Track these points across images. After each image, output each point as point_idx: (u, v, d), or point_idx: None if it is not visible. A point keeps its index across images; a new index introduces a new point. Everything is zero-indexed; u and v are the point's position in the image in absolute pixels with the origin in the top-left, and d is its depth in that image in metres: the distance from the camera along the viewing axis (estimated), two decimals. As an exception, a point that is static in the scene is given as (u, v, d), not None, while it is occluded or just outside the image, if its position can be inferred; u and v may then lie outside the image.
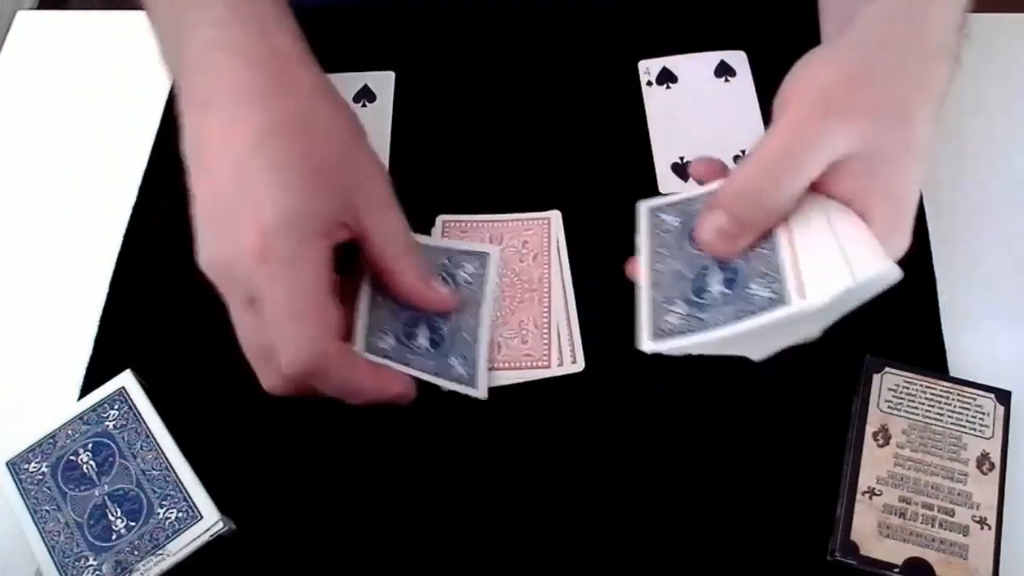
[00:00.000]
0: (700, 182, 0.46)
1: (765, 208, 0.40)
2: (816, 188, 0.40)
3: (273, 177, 0.39)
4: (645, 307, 0.43)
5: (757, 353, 0.42)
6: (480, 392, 0.45)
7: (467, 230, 0.51)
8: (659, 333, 0.42)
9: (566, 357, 0.48)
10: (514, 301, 0.49)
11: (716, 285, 0.42)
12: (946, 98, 0.40)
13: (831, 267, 0.38)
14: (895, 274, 0.39)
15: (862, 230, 0.39)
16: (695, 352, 0.42)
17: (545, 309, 0.49)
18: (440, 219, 0.52)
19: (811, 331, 0.42)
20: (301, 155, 0.40)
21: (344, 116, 0.43)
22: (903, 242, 0.40)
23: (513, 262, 0.50)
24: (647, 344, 0.42)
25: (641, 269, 0.44)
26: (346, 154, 0.42)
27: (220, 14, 0.42)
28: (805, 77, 0.40)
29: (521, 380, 0.47)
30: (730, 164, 0.52)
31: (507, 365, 0.47)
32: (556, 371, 0.47)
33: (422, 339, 0.45)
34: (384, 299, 0.45)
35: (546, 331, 0.48)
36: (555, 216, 0.52)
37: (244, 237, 0.38)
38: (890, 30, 0.40)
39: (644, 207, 0.47)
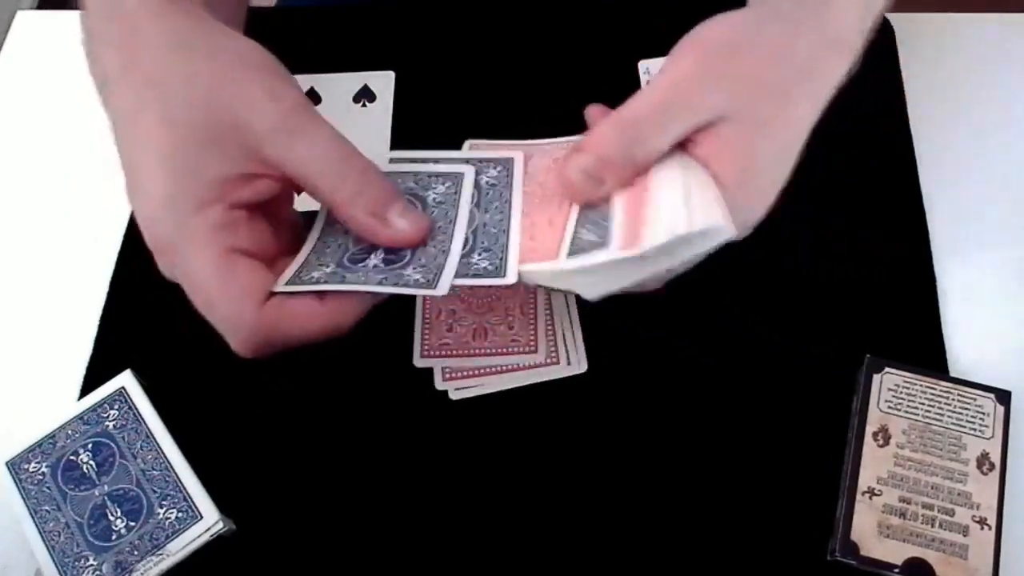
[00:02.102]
0: (590, 125, 0.44)
1: (632, 156, 0.39)
2: (680, 144, 0.39)
3: (143, 161, 0.36)
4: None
5: (590, 292, 0.40)
6: (439, 291, 0.37)
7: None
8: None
9: (572, 358, 0.48)
10: (501, 287, 0.49)
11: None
12: (938, 83, 0.40)
13: (669, 216, 0.38)
14: (729, 231, 0.38)
15: (709, 186, 0.39)
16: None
17: (532, 295, 0.49)
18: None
19: (643, 276, 0.40)
20: (162, 123, 0.36)
21: (208, 54, 0.38)
22: (753, 210, 0.39)
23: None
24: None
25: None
26: (219, 95, 0.37)
27: (85, 3, 0.40)
28: (698, 36, 0.40)
29: (525, 383, 0.47)
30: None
31: (493, 351, 0.48)
32: (559, 372, 0.47)
33: (373, 259, 0.39)
34: (337, 227, 0.40)
35: (532, 316, 0.48)
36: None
37: (143, 229, 0.37)
38: (794, 13, 0.40)
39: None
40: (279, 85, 0.38)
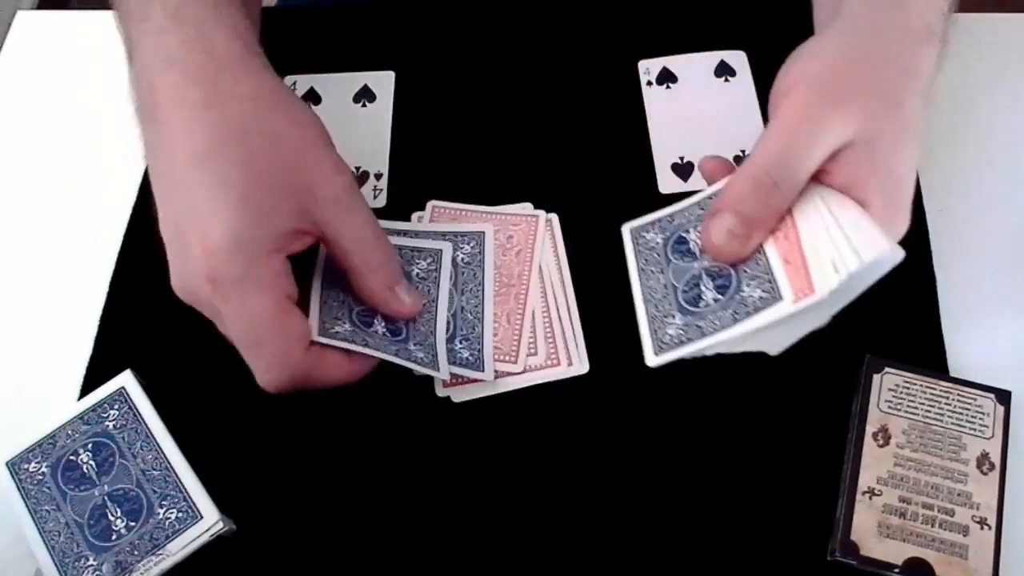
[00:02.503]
0: (709, 181, 0.46)
1: (772, 205, 0.40)
2: (815, 178, 0.40)
3: (214, 196, 0.38)
4: (644, 324, 0.44)
5: (773, 348, 0.42)
6: (443, 374, 0.45)
7: (456, 218, 0.52)
8: (661, 347, 0.42)
9: (573, 360, 0.48)
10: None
11: (709, 293, 0.42)
12: (936, 84, 0.41)
13: (834, 255, 0.39)
14: (897, 256, 0.39)
15: (861, 215, 0.39)
16: (704, 354, 0.42)
17: (520, 305, 0.49)
18: (430, 204, 0.52)
19: (820, 320, 0.41)
20: (243, 167, 0.38)
21: (292, 118, 0.41)
22: (902, 225, 0.41)
23: (496, 255, 0.50)
24: (652, 359, 0.42)
25: (633, 288, 0.45)
26: (297, 158, 0.40)
27: (159, 23, 0.41)
28: (797, 71, 0.41)
29: (526, 384, 0.47)
30: (730, 164, 0.52)
31: None
32: (560, 374, 0.47)
33: (378, 326, 0.44)
34: (337, 284, 0.44)
35: (518, 327, 0.48)
36: (541, 216, 0.51)
37: (195, 261, 0.38)
38: (875, 17, 0.41)
39: (627, 229, 0.47)
40: (340, 162, 0.42)
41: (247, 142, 0.39)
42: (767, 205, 0.40)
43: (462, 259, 0.49)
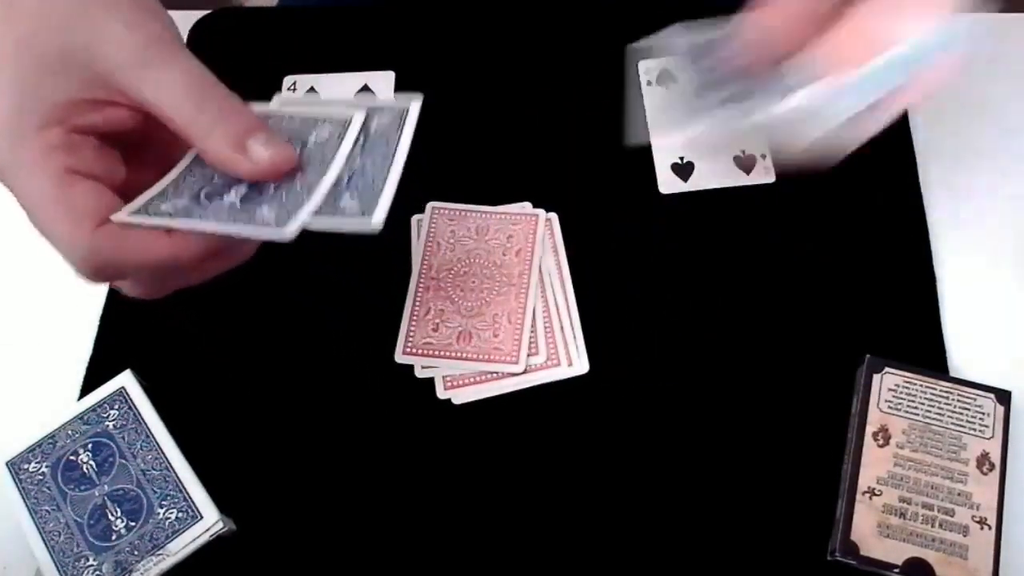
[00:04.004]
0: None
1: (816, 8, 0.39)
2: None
3: None
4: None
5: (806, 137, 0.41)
6: (287, 232, 0.35)
7: (455, 218, 0.52)
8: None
9: (573, 360, 0.48)
10: (491, 293, 0.49)
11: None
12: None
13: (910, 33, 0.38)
14: (962, 30, 0.38)
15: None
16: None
17: (521, 305, 0.49)
18: (429, 206, 0.52)
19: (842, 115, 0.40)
20: (14, 48, 0.36)
21: None
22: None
23: (496, 255, 0.50)
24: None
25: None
26: (75, 23, 0.36)
27: None
28: None
29: (527, 385, 0.47)
30: (730, 164, 0.52)
31: (475, 356, 0.47)
32: (560, 374, 0.47)
33: (232, 195, 0.37)
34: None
35: (519, 326, 0.48)
36: (541, 215, 0.52)
37: None
38: None
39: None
40: (139, 17, 0.37)
41: (18, 22, 0.37)
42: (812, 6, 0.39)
43: (376, 128, 0.40)
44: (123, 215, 0.35)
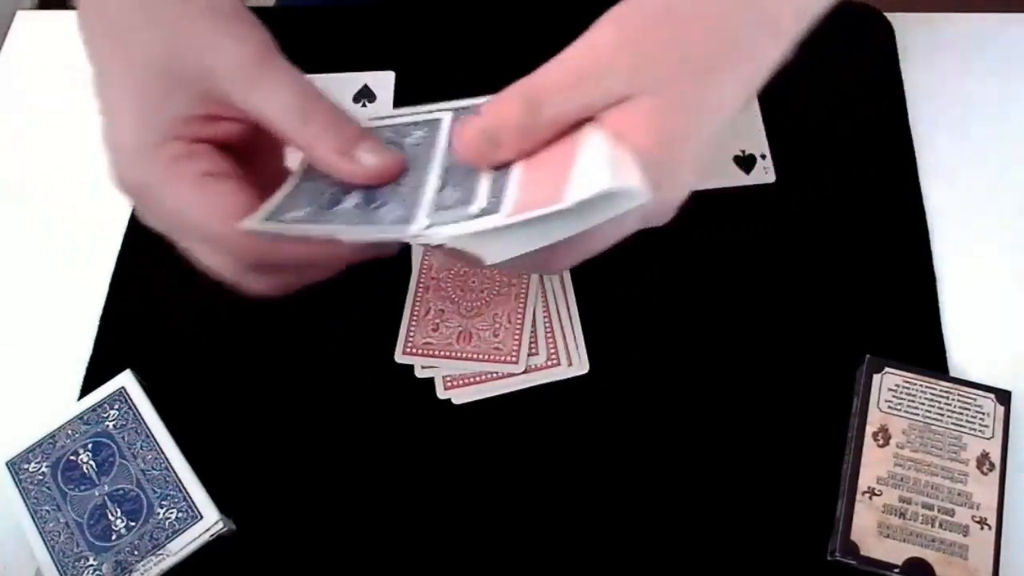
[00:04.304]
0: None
1: (531, 122, 0.37)
2: (594, 119, 0.37)
3: (108, 106, 0.38)
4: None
5: (489, 256, 0.37)
6: (414, 229, 0.35)
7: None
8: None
9: (573, 360, 0.48)
10: (491, 293, 0.49)
11: (352, 200, 0.38)
12: (768, 76, 0.38)
13: (590, 175, 0.34)
14: (642, 195, 0.34)
15: (627, 152, 0.35)
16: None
17: (521, 305, 0.49)
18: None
19: (551, 237, 0.36)
20: (124, 68, 0.37)
21: (181, 5, 0.38)
22: (667, 194, 0.37)
23: None
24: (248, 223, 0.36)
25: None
26: (183, 41, 0.37)
27: None
28: (623, 6, 0.38)
29: (527, 385, 0.47)
30: (730, 164, 0.52)
31: (475, 356, 0.47)
32: (560, 374, 0.47)
33: (349, 202, 0.38)
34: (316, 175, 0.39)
35: (519, 327, 0.48)
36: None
37: (111, 174, 0.37)
38: None
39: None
40: (244, 30, 0.38)
41: (127, 41, 0.38)
42: (527, 120, 0.37)
43: (411, 144, 0.41)
44: (253, 223, 0.36)
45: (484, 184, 0.37)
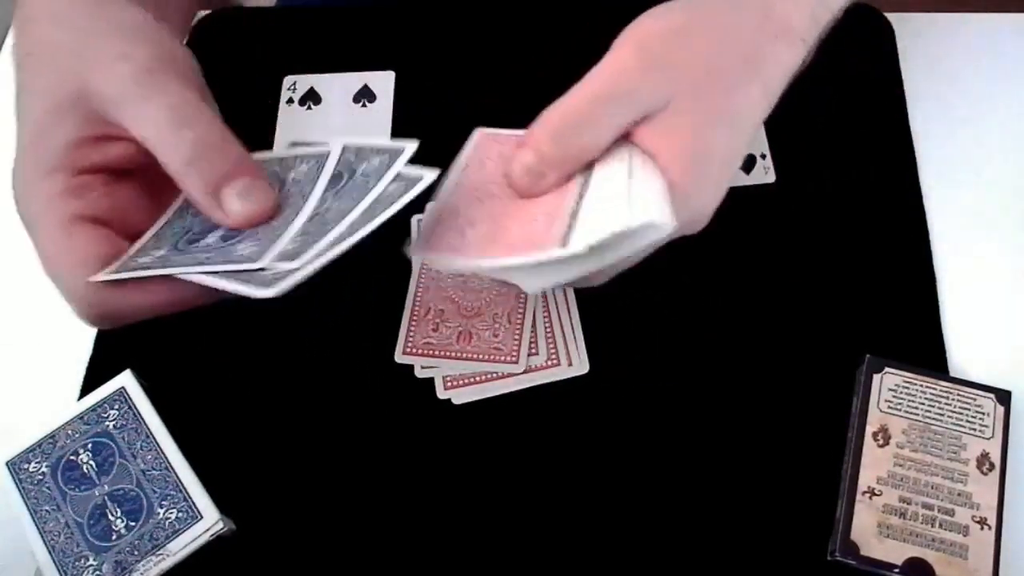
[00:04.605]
0: None
1: (570, 150, 0.38)
2: (626, 136, 0.38)
3: (14, 128, 0.37)
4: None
5: (529, 286, 0.39)
6: (261, 263, 0.33)
7: None
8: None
9: (573, 360, 0.48)
10: (492, 292, 0.49)
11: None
12: (788, 81, 0.39)
13: (609, 213, 0.36)
14: (666, 228, 0.35)
15: (655, 181, 0.37)
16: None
17: (521, 305, 0.49)
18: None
19: (588, 268, 0.38)
20: (27, 90, 0.37)
21: (83, 17, 0.37)
22: (700, 206, 0.38)
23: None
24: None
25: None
26: (76, 60, 0.36)
27: None
28: (639, 26, 0.39)
29: (527, 385, 0.47)
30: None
31: (476, 356, 0.47)
32: (561, 374, 0.47)
33: (211, 237, 0.36)
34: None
35: (518, 326, 0.48)
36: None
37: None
38: None
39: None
40: (131, 47, 0.36)
41: (31, 66, 0.37)
42: (566, 149, 0.38)
43: (362, 171, 0.37)
44: (101, 275, 0.35)
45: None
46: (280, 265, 0.33)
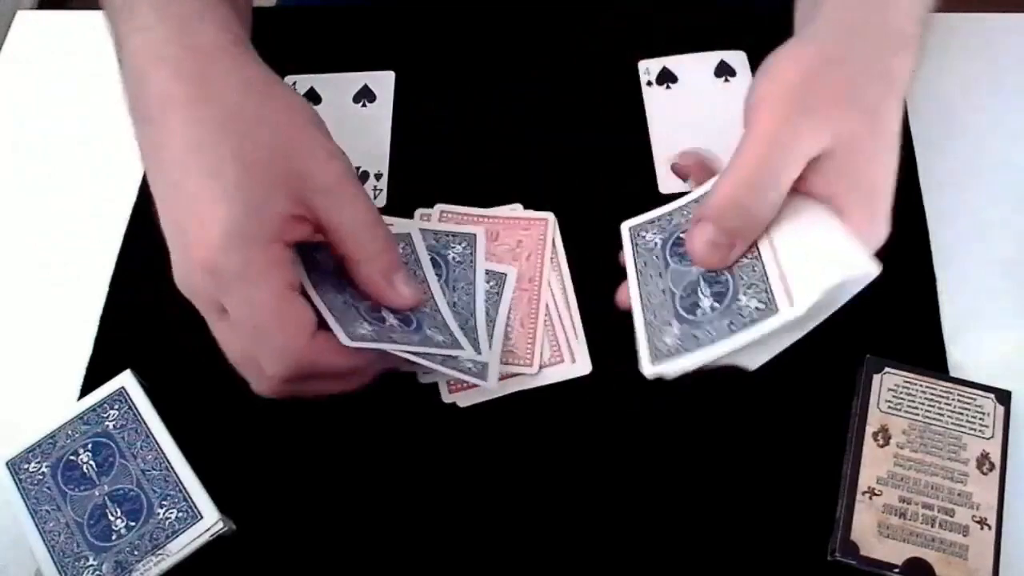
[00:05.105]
0: (685, 179, 0.46)
1: (752, 217, 0.40)
2: (795, 187, 0.40)
3: (209, 187, 0.38)
4: (641, 331, 0.43)
5: (752, 362, 0.42)
6: (490, 383, 0.45)
7: (462, 222, 0.51)
8: (658, 355, 0.41)
9: (576, 359, 0.48)
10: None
11: (706, 300, 0.42)
12: (912, 89, 0.41)
13: (813, 269, 0.39)
14: (874, 271, 0.39)
15: (840, 229, 0.39)
16: (692, 368, 0.41)
17: (533, 308, 0.49)
18: (437, 208, 0.52)
19: (796, 335, 0.42)
20: (234, 157, 0.38)
21: (283, 104, 0.41)
22: (880, 235, 0.41)
23: (506, 259, 0.50)
24: (648, 368, 0.41)
25: (631, 291, 0.44)
26: (289, 145, 0.40)
27: (145, 20, 0.41)
28: (772, 77, 0.40)
29: (530, 386, 0.47)
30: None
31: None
32: (563, 374, 0.47)
33: (390, 318, 0.43)
34: (330, 284, 0.43)
35: (532, 330, 0.48)
36: (550, 219, 0.51)
37: (195, 255, 0.38)
38: (851, 20, 0.41)
39: (626, 227, 0.47)
40: (334, 148, 0.42)
41: (237, 131, 0.39)
42: (747, 217, 0.40)
43: (453, 258, 0.49)
44: (349, 340, 0.40)
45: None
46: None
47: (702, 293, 0.42)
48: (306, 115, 0.42)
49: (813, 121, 0.39)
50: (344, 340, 0.40)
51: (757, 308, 0.40)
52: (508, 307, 0.48)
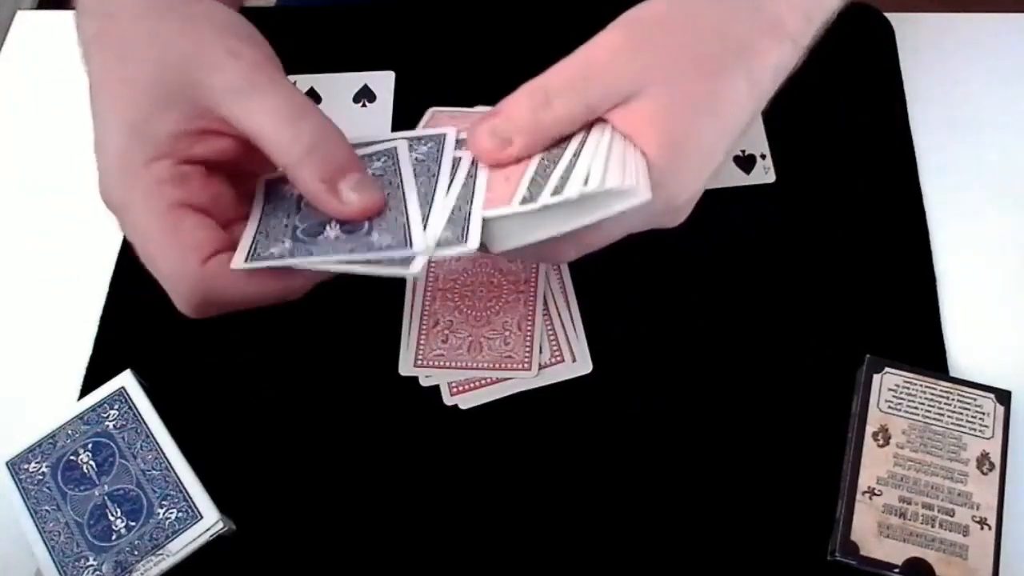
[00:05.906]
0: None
1: (539, 122, 0.38)
2: (605, 119, 0.38)
3: (101, 121, 0.37)
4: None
5: (499, 245, 0.38)
6: (418, 247, 0.35)
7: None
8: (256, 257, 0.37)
9: (576, 358, 0.48)
10: (499, 301, 0.49)
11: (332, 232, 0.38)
12: (779, 76, 0.39)
13: (579, 174, 0.36)
14: (642, 194, 0.35)
15: (632, 154, 0.37)
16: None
17: (530, 311, 0.49)
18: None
19: (557, 229, 0.37)
20: (120, 83, 0.37)
21: (181, 18, 0.38)
22: (677, 193, 0.38)
23: (501, 261, 0.50)
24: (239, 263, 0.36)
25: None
26: (182, 57, 0.37)
27: None
28: (630, 14, 0.39)
29: (531, 386, 0.47)
30: (730, 164, 0.52)
31: (487, 366, 0.47)
32: (563, 374, 0.47)
33: (330, 232, 0.37)
34: (284, 202, 0.39)
35: (529, 333, 0.48)
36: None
37: (100, 191, 0.37)
38: None
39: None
40: (240, 44, 0.38)
41: (125, 55, 0.38)
42: (535, 119, 0.38)
43: (417, 158, 0.40)
44: (240, 264, 0.36)
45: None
46: (449, 250, 0.36)
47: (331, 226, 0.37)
48: (211, 20, 0.38)
49: (640, 59, 0.37)
50: (235, 263, 0.36)
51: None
52: (449, 179, 0.39)
